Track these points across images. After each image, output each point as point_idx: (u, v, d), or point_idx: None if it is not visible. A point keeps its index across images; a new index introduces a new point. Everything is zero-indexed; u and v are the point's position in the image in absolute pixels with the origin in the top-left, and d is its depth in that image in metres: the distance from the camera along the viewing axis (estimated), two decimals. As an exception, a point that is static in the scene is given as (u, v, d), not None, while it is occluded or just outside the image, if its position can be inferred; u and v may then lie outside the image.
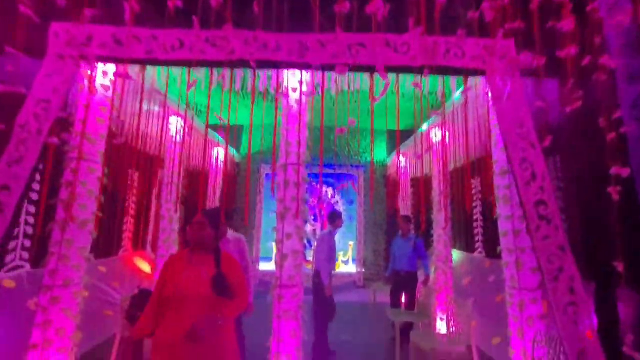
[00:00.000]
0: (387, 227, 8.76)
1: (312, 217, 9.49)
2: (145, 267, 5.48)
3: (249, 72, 2.93)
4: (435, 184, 4.78)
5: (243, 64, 2.52)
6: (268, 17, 2.55)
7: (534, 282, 2.65)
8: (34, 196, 3.07)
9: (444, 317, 4.31)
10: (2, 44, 2.26)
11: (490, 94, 2.45)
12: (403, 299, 4.47)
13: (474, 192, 6.10)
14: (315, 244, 3.94)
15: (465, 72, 2.48)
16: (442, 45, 2.43)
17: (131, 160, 5.06)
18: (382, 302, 6.61)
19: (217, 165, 7.02)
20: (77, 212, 2.58)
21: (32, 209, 3.11)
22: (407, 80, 2.73)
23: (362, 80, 2.94)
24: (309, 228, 9.41)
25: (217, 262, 1.76)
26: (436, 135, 4.88)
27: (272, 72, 2.94)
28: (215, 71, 2.81)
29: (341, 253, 8.74)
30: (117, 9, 2.53)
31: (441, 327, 4.25)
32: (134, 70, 2.83)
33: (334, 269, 3.88)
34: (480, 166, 3.95)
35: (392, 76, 2.63)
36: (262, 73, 2.91)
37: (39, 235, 2.91)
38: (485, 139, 3.51)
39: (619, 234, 1.91)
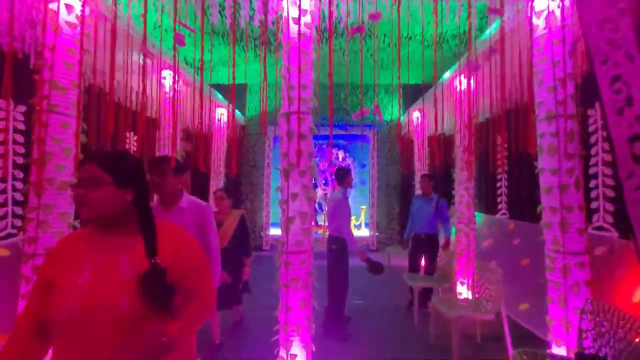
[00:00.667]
0: (400, 190, 8.40)
1: (323, 182, 9.17)
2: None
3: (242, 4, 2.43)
4: (458, 139, 4.30)
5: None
6: None
7: (581, 245, 2.28)
8: (19, 160, 2.80)
9: (465, 281, 4.04)
10: None
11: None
12: (422, 263, 4.19)
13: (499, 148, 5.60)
14: (327, 208, 3.62)
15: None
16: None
17: (126, 121, 4.70)
18: (397, 265, 6.42)
19: (220, 128, 6.63)
20: (52, 173, 2.27)
21: (20, 174, 2.86)
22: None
23: (380, 4, 2.41)
24: (319, 192, 9.13)
25: (148, 245, 0.93)
26: (461, 84, 4.32)
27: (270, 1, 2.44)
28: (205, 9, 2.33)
29: (354, 217, 8.50)
30: None
31: (462, 291, 3.99)
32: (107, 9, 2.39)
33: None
34: (512, 116, 3.45)
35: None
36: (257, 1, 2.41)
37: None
38: (522, 81, 2.99)
39: None
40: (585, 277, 2.27)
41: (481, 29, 4.05)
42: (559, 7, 2.28)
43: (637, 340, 1.70)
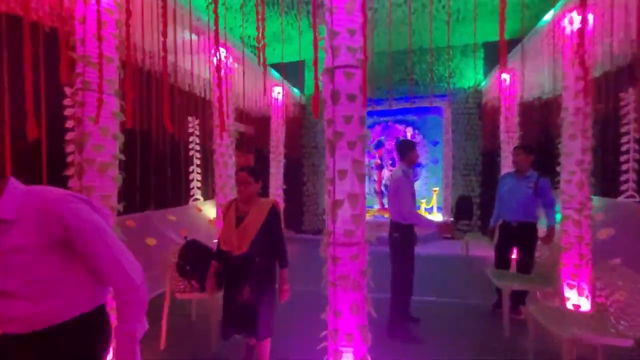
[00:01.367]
0: (481, 168, 7.26)
1: (390, 162, 8.42)
2: (212, 215, 5.41)
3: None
4: (566, 100, 3.25)
5: None
6: None
7: None
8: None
9: (574, 283, 3.11)
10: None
11: None
12: (514, 257, 3.37)
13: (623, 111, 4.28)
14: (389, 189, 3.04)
15: None
16: None
17: (184, 104, 4.69)
18: (477, 255, 5.53)
19: (278, 107, 6.38)
20: (90, 153, 2.16)
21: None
22: None
23: None
24: (385, 173, 8.42)
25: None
26: (571, 24, 3.24)
27: None
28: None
29: (424, 200, 7.64)
30: None
31: (571, 296, 3.08)
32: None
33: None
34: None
35: None
36: None
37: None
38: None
39: None
40: None
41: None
42: None
43: None
